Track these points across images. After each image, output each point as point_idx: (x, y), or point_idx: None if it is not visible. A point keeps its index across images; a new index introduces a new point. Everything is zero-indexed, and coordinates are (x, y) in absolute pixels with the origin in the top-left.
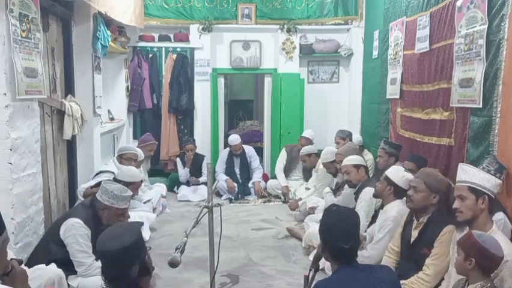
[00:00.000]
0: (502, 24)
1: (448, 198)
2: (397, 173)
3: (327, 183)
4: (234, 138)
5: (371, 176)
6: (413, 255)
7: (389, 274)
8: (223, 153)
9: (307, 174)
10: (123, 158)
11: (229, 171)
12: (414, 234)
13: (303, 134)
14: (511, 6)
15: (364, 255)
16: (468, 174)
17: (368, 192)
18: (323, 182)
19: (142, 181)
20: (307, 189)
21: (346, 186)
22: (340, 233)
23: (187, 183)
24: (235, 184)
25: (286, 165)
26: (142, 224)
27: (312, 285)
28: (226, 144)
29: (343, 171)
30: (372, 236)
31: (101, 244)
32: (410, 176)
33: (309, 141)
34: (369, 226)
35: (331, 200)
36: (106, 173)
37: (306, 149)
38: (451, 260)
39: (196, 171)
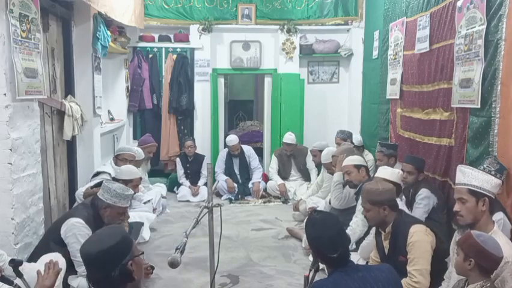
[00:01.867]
0: (500, 24)
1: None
2: (392, 173)
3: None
4: (232, 139)
5: (372, 176)
6: (392, 264)
7: (387, 274)
8: (222, 154)
9: (304, 174)
10: (118, 159)
11: (228, 171)
12: (386, 244)
13: (284, 140)
14: (509, 6)
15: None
16: (467, 176)
17: None
18: (328, 183)
19: (141, 178)
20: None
21: (346, 187)
22: (326, 243)
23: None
24: (235, 184)
25: (281, 168)
26: (140, 224)
27: None
28: (226, 144)
29: (344, 171)
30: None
31: (82, 246)
32: (397, 169)
33: (293, 146)
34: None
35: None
36: (103, 174)
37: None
38: (451, 261)
39: (196, 171)
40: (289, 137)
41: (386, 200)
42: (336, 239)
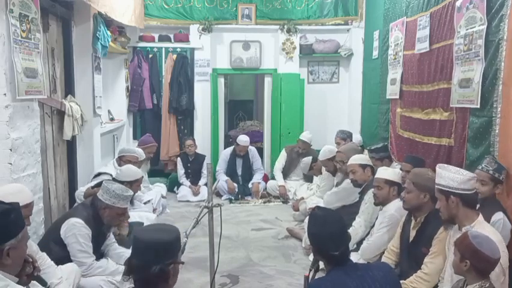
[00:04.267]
0: (502, 24)
1: None
2: (392, 173)
3: (331, 183)
4: (245, 140)
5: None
6: (412, 254)
7: (386, 273)
8: (226, 153)
9: (307, 175)
10: (122, 160)
11: (231, 171)
12: (413, 233)
13: (301, 137)
14: (511, 6)
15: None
16: (438, 176)
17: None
18: (326, 182)
19: (142, 176)
20: (311, 189)
21: (345, 180)
22: (328, 240)
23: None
24: (235, 185)
25: (286, 166)
26: (140, 225)
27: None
28: (226, 145)
29: (349, 170)
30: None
31: (137, 232)
32: (397, 169)
33: (307, 145)
34: (371, 228)
35: (330, 194)
36: (104, 175)
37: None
38: (447, 259)
39: (196, 171)
40: (307, 136)
41: (430, 188)
42: (337, 236)
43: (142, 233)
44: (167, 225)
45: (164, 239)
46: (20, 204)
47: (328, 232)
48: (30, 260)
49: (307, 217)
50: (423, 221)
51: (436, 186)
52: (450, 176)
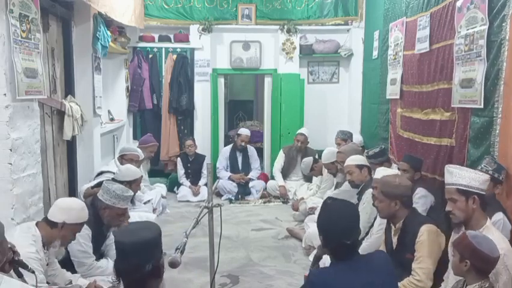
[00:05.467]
0: (504, 24)
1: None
2: (392, 172)
3: (331, 184)
4: (246, 130)
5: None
6: (398, 261)
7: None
8: (225, 150)
9: (306, 175)
10: (124, 159)
11: (232, 166)
12: (395, 240)
13: (299, 131)
14: None
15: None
16: (454, 176)
17: (371, 193)
18: (327, 183)
19: (141, 176)
20: (311, 189)
21: (345, 183)
22: (341, 229)
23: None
24: (236, 184)
25: (285, 166)
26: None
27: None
28: (226, 145)
29: (346, 171)
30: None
31: (119, 236)
32: (395, 170)
33: (305, 138)
34: (370, 227)
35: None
36: (107, 173)
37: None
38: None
39: (196, 171)
40: (304, 129)
41: (399, 194)
42: (351, 224)
43: (126, 236)
44: (144, 223)
45: (151, 236)
46: (79, 222)
47: (342, 220)
48: (9, 245)
49: (307, 216)
50: (401, 227)
51: (453, 186)
52: (471, 176)
